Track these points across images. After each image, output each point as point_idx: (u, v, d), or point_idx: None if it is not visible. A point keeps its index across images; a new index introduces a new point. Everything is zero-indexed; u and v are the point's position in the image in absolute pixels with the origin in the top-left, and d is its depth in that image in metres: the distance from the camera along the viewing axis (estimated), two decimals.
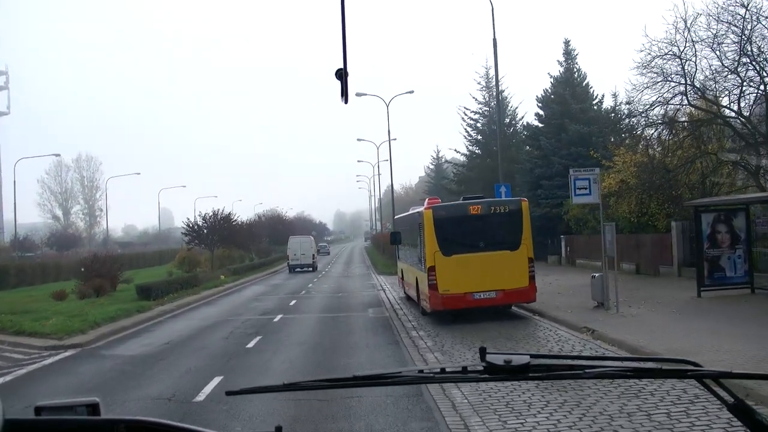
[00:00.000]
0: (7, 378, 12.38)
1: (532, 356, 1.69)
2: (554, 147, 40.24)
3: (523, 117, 50.97)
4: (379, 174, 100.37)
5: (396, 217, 31.79)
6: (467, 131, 53.95)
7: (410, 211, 22.96)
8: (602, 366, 1.80)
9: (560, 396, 8.67)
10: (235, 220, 48.75)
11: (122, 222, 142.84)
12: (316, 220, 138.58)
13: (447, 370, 1.86)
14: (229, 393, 1.87)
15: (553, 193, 39.51)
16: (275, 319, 20.16)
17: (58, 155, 69.94)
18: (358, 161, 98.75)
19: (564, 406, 8.27)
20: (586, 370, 1.76)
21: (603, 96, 42.04)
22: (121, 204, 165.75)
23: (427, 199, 19.25)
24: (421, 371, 1.94)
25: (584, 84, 41.96)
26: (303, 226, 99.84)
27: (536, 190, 39.58)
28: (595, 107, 41.89)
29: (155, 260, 64.93)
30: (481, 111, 53.44)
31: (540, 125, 43.82)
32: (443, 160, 75.31)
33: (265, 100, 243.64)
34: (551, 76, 42.43)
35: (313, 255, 51.79)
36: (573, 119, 40.09)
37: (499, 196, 25.05)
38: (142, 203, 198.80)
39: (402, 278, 24.02)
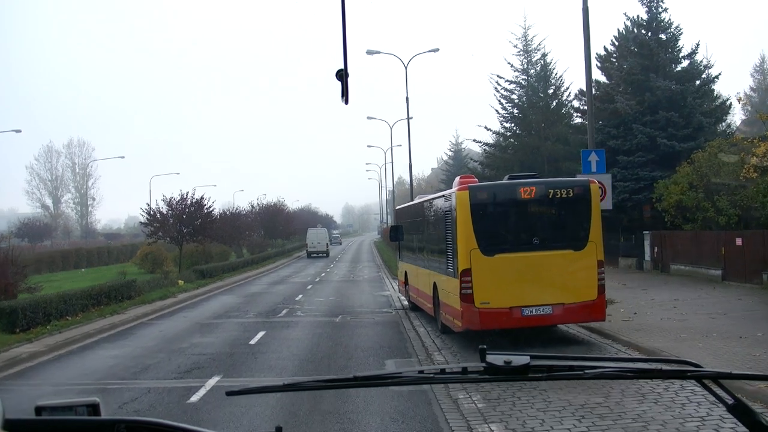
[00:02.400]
0: None
1: (532, 356, 1.65)
2: (635, 112, 29.78)
3: (569, 87, 40.84)
4: (392, 161, 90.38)
5: (398, 207, 25.74)
6: (501, 103, 43.70)
7: (418, 199, 18.88)
8: (603, 367, 1.76)
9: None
10: (211, 207, 37.17)
11: (125, 213, 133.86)
12: (322, 212, 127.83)
13: (447, 370, 1.87)
14: (229, 393, 1.79)
15: (634, 174, 29.13)
16: (194, 397, 9.76)
17: (18, 131, 59.28)
18: (368, 146, 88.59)
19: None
20: (587, 371, 1.72)
21: (697, 46, 31.36)
22: (126, 196, 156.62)
23: (458, 178, 14.33)
24: (421, 371, 1.86)
25: (673, 29, 31.32)
26: (307, 218, 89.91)
27: (610, 168, 29.18)
28: (686, 62, 31.35)
29: (126, 255, 54.85)
30: (517, 80, 43.26)
31: (608, 83, 33.30)
32: (471, 139, 64.93)
33: (270, 91, 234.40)
34: (628, 17, 31.89)
35: (327, 244, 61.20)
36: (660, 74, 29.63)
37: (587, 167, 17.62)
38: (147, 195, 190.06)
39: (406, 282, 19.65)
